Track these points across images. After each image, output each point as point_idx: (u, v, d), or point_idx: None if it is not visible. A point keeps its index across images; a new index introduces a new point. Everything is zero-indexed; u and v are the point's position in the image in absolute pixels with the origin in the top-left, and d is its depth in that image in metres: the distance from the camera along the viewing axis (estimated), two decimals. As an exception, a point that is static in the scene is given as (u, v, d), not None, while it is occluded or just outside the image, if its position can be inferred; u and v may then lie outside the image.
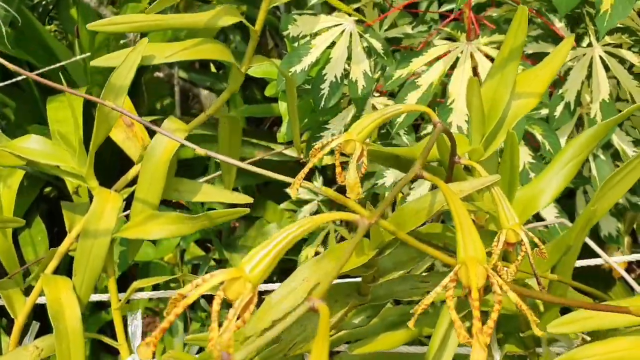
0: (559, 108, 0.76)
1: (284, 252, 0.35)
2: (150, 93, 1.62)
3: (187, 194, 0.64)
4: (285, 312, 0.41)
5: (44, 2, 1.61)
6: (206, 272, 1.36)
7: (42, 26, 1.48)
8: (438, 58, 0.72)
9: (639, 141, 0.77)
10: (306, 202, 1.21)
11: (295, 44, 0.80)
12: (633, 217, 1.06)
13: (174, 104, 1.63)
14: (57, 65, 1.18)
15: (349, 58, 0.78)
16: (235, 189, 1.37)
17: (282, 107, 0.85)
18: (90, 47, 1.49)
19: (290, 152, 1.28)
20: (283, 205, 1.38)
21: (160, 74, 1.62)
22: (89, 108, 1.15)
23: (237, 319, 0.32)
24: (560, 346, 0.65)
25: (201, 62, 1.67)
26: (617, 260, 0.67)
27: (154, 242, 1.28)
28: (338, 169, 0.48)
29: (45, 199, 1.50)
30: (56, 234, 1.38)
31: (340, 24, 0.78)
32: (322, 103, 0.78)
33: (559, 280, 0.53)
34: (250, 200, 0.63)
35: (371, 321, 0.59)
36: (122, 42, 1.47)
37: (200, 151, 0.51)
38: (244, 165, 0.52)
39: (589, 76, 0.76)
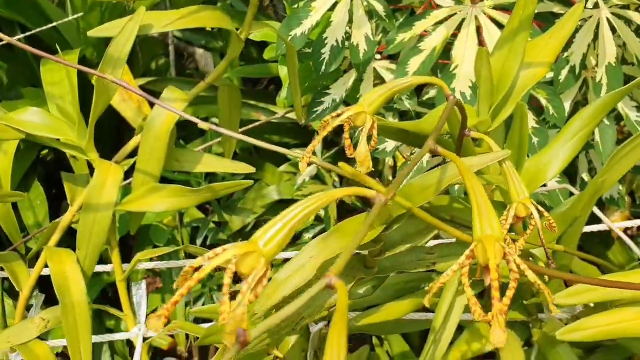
0: (564, 72, 0.74)
1: (298, 226, 0.34)
2: (145, 53, 1.59)
3: (187, 164, 0.64)
4: (295, 288, 0.41)
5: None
6: (205, 235, 1.36)
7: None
8: (441, 21, 0.71)
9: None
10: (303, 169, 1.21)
11: (295, 6, 0.78)
12: (632, 178, 1.06)
13: (168, 64, 1.60)
14: (49, 25, 1.15)
15: (350, 21, 0.76)
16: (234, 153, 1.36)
17: (282, 71, 0.83)
18: (83, 7, 1.46)
19: (292, 115, 1.27)
20: (282, 168, 1.37)
21: (154, 33, 1.59)
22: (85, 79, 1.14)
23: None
24: (563, 311, 0.65)
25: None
26: (618, 226, 0.67)
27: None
28: (347, 142, 0.47)
29: (42, 162, 1.49)
30: (55, 197, 1.37)
31: (341, -14, 0.76)
32: (323, 67, 0.77)
33: (565, 251, 0.53)
34: (252, 169, 0.63)
35: (376, 291, 0.60)
36: (115, 0, 1.44)
37: (203, 125, 0.50)
38: (245, 138, 0.51)
39: (595, 39, 0.74)
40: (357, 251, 0.54)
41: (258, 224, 1.37)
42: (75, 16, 1.39)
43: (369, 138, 0.45)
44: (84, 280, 0.58)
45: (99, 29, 0.56)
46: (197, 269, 0.32)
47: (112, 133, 1.36)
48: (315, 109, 0.83)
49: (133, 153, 0.63)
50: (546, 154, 0.51)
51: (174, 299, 0.31)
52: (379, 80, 0.81)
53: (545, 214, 0.48)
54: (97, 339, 0.62)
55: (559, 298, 0.50)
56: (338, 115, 0.45)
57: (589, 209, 0.51)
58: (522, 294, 0.63)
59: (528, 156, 0.52)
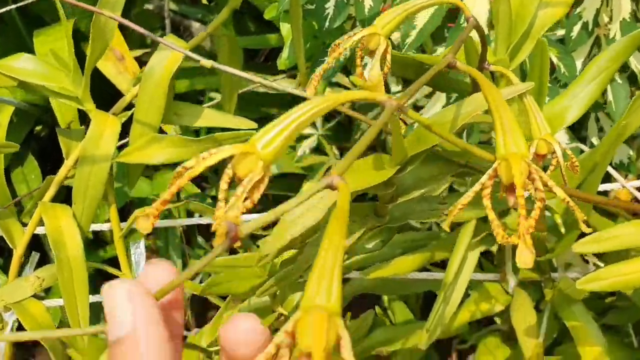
0: (576, 28, 0.72)
1: (301, 129, 0.31)
2: (140, 26, 1.57)
3: (187, 117, 0.61)
4: (305, 228, 0.39)
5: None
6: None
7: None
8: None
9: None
10: (306, 137, 1.18)
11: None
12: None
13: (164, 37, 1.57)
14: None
15: (355, -25, 0.74)
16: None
17: (283, 29, 0.81)
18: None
19: (288, 85, 1.24)
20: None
21: (150, 6, 1.56)
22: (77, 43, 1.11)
23: (246, 199, 0.29)
24: (575, 272, 0.64)
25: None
26: (634, 185, 0.65)
27: (149, 177, 1.25)
28: (359, 68, 0.45)
29: (36, 138, 1.46)
30: (49, 172, 1.35)
31: (346, -62, 0.74)
32: (327, 24, 0.74)
33: (585, 198, 0.51)
34: (254, 125, 0.60)
35: (384, 247, 0.57)
36: None
37: (206, 63, 0.48)
38: (250, 76, 0.49)
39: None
40: (370, 199, 0.52)
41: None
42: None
43: (383, 62, 0.43)
44: (80, 236, 0.56)
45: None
46: (189, 169, 0.29)
47: (109, 95, 1.33)
48: (317, 69, 0.80)
49: (131, 107, 0.60)
50: (566, 97, 0.49)
51: (164, 195, 0.29)
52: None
53: (569, 151, 0.45)
54: (94, 299, 0.60)
55: (578, 247, 0.48)
56: (349, 38, 0.43)
57: (610, 155, 0.49)
58: (535, 251, 0.61)
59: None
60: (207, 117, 0.61)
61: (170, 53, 0.57)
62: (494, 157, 0.34)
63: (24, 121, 1.35)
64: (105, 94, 0.78)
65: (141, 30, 0.49)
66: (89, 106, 0.56)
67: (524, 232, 0.30)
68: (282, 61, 0.84)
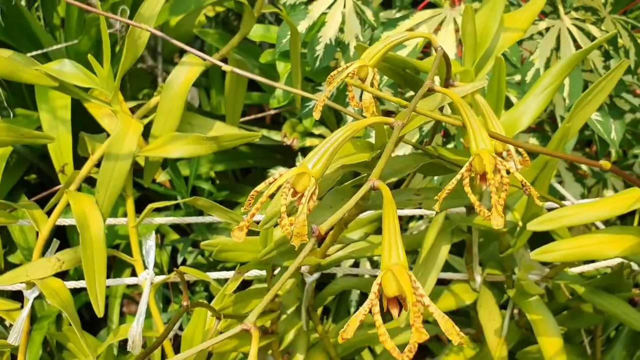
0: (530, 73, 0.84)
1: (337, 150, 0.42)
2: (133, 84, 1.67)
3: (199, 128, 0.70)
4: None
5: (29, -8, 1.65)
6: (188, 251, 1.39)
7: (29, 13, 1.52)
8: (423, 22, 0.81)
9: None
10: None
11: (293, 10, 0.87)
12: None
13: (153, 94, 1.68)
14: (40, 52, 1.22)
15: (343, 23, 0.85)
16: (211, 179, 1.41)
17: (279, 67, 0.91)
18: (76, 34, 1.53)
19: (274, 136, 1.35)
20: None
21: (144, 66, 1.67)
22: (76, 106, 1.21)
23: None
24: (535, 274, 0.72)
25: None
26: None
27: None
28: (351, 94, 0.55)
29: (26, 184, 1.52)
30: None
31: (335, -8, 0.86)
32: (317, 63, 0.85)
33: (543, 196, 0.60)
34: (259, 135, 0.69)
35: (367, 237, 0.66)
36: (109, 31, 1.51)
37: (227, 68, 0.58)
38: (253, 76, 0.58)
39: (557, 48, 0.85)
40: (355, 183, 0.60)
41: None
42: (68, 43, 1.46)
43: (372, 87, 0.52)
44: (102, 220, 0.63)
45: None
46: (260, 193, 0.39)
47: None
48: (307, 104, 0.91)
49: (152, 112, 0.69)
50: (520, 106, 0.60)
51: (250, 213, 0.38)
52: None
53: (520, 149, 0.56)
54: (108, 282, 0.66)
55: (532, 225, 0.57)
56: (344, 69, 0.53)
57: (561, 151, 0.59)
58: (498, 250, 0.70)
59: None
60: (217, 129, 0.70)
61: (189, 68, 0.67)
62: (451, 154, 0.43)
63: (19, 166, 1.42)
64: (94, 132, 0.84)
65: (177, 43, 0.59)
66: (117, 107, 0.65)
67: (495, 204, 0.40)
68: (277, 98, 0.94)
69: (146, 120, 0.68)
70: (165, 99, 0.67)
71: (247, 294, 0.61)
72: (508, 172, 0.43)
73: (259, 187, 0.40)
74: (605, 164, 0.41)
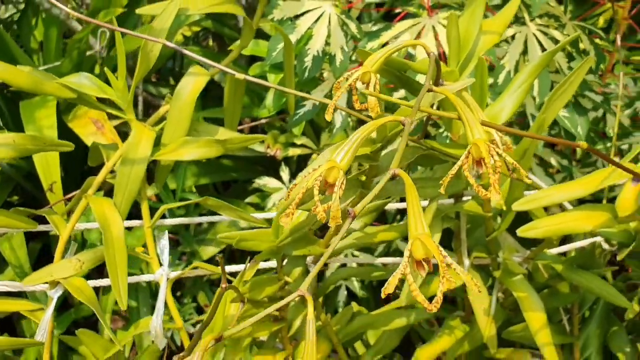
0: (502, 76, 0.93)
1: (360, 146, 0.48)
2: (114, 106, 1.72)
3: (205, 133, 0.76)
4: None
5: (7, 16, 1.68)
6: (175, 264, 1.44)
7: (8, 36, 1.55)
8: (404, 31, 0.88)
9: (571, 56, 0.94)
10: (272, 192, 1.32)
11: (281, 26, 0.94)
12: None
13: (137, 114, 1.72)
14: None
15: (328, 36, 0.92)
16: (191, 192, 1.45)
17: (270, 79, 0.98)
18: (56, 59, 1.57)
19: (257, 147, 1.41)
20: (248, 200, 1.49)
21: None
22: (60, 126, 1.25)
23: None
24: (517, 256, 0.80)
25: (160, 77, 1.78)
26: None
27: (128, 229, 1.35)
28: (355, 97, 0.61)
29: (9, 204, 1.54)
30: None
31: (320, 7, 0.93)
32: (306, 74, 0.92)
33: (518, 178, 0.68)
34: (262, 137, 0.75)
35: (366, 227, 0.72)
36: (88, 53, 1.56)
37: (239, 76, 0.64)
38: (261, 82, 0.65)
39: (525, 51, 0.93)
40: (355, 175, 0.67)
41: (229, 252, 1.47)
42: (48, 66, 1.50)
43: (375, 89, 0.59)
44: (122, 222, 0.68)
45: (146, 9, 0.70)
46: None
47: (83, 167, 1.44)
48: (297, 112, 0.97)
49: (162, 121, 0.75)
50: (499, 104, 0.67)
51: (294, 203, 0.44)
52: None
53: (505, 138, 0.63)
54: (129, 280, 0.71)
55: (517, 206, 0.64)
56: (348, 77, 0.58)
57: (535, 144, 0.67)
58: (484, 234, 0.77)
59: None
60: (222, 134, 0.76)
61: (196, 78, 0.72)
62: (443, 147, 0.50)
63: (5, 184, 1.45)
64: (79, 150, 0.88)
65: (189, 53, 0.64)
66: (131, 116, 0.70)
67: (493, 183, 0.47)
68: (267, 107, 1.00)
69: (157, 128, 0.74)
70: (175, 108, 0.72)
71: (260, 281, 0.67)
72: (500, 155, 0.49)
73: (296, 180, 0.46)
74: (582, 143, 0.48)
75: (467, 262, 0.78)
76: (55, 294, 0.69)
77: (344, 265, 1.04)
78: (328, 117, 0.56)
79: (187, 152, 0.69)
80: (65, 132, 1.29)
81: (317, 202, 0.45)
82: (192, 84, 0.72)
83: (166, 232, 0.73)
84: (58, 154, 1.20)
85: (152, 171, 1.42)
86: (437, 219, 0.70)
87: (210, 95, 1.51)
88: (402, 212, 1.08)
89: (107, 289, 1.32)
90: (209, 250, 1.50)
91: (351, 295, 1.25)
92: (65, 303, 1.31)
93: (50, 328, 0.69)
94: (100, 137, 1.29)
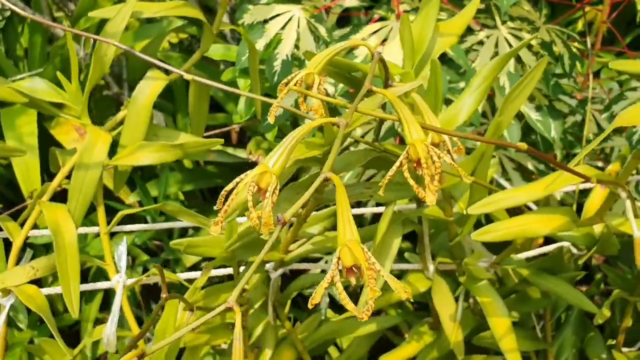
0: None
1: (293, 149, 0.47)
2: (99, 110, 1.71)
3: (165, 138, 0.75)
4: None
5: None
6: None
7: (-7, 44, 1.55)
8: (372, 34, 0.87)
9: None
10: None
11: (251, 30, 0.93)
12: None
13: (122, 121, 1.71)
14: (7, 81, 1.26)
15: (298, 40, 0.91)
16: (180, 201, 1.45)
17: (240, 84, 0.97)
18: (41, 65, 1.57)
19: (240, 153, 1.40)
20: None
21: (110, 92, 1.72)
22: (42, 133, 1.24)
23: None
24: (484, 261, 0.78)
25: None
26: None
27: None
28: (301, 99, 0.60)
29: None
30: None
31: (290, 11, 0.92)
32: (275, 79, 0.91)
33: (475, 182, 0.66)
34: (221, 141, 0.74)
35: (325, 232, 0.71)
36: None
37: (188, 76, 0.63)
38: (218, 85, 0.63)
39: (496, 55, 0.92)
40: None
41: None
42: (32, 73, 1.49)
43: (319, 90, 0.58)
44: (74, 227, 0.67)
45: (100, 11, 0.69)
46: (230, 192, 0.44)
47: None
48: (267, 117, 0.96)
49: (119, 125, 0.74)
50: (457, 104, 0.66)
51: (222, 212, 0.43)
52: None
53: (455, 139, 0.61)
54: (83, 287, 0.70)
55: (474, 209, 0.63)
56: (291, 79, 0.58)
57: (491, 147, 0.65)
58: (447, 239, 0.76)
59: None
60: (182, 138, 0.75)
61: (153, 82, 0.72)
62: (396, 148, 0.49)
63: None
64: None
65: (144, 57, 0.64)
66: (86, 121, 0.69)
67: (428, 184, 0.45)
68: (240, 113, 0.99)
69: (114, 133, 0.73)
70: (132, 112, 0.71)
71: (216, 289, 0.66)
72: (439, 157, 0.48)
73: (228, 187, 0.45)
74: (522, 145, 0.46)
75: (431, 267, 0.77)
76: (7, 302, 0.68)
77: (324, 271, 1.03)
78: (271, 120, 0.55)
79: (143, 156, 0.68)
80: (47, 139, 1.29)
81: (250, 208, 0.44)
82: (149, 87, 0.72)
83: (124, 238, 0.72)
84: (38, 161, 1.20)
85: (131, 177, 1.40)
86: (397, 224, 0.69)
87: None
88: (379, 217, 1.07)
89: (89, 298, 1.31)
90: (192, 258, 1.49)
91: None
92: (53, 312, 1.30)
93: (3, 335, 0.68)
94: (75, 142, 1.29)
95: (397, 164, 0.48)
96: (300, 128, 0.48)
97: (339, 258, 0.41)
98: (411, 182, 0.48)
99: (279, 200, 0.58)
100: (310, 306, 0.41)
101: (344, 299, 0.40)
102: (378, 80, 0.61)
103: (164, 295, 0.51)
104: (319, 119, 0.52)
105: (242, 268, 0.70)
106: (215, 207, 0.45)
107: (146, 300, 1.38)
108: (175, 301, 0.62)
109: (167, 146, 0.68)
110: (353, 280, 0.42)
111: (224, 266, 0.73)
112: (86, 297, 1.28)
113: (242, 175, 0.45)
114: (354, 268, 0.41)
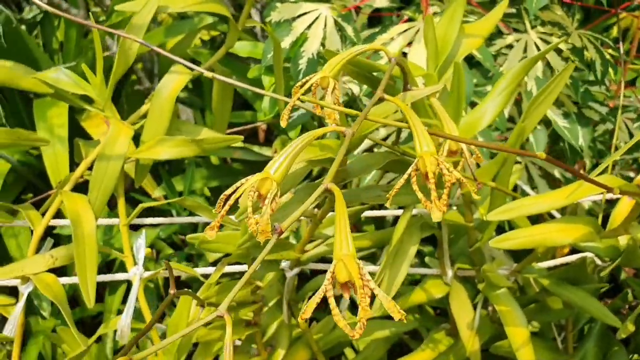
0: (501, 84, 0.90)
1: (296, 156, 0.46)
2: (130, 104, 1.73)
3: (187, 134, 0.75)
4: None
5: (30, 16, 1.71)
6: (179, 263, 1.43)
7: (30, 37, 1.58)
8: (399, 34, 0.86)
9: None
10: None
11: (278, 28, 0.93)
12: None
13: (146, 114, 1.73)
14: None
15: (324, 38, 0.91)
16: (206, 197, 1.45)
17: (265, 81, 0.97)
18: (75, 59, 1.59)
19: (266, 152, 1.40)
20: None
21: (141, 87, 1.73)
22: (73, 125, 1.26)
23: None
24: (504, 269, 0.77)
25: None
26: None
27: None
28: (317, 108, 0.59)
29: (22, 201, 1.57)
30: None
31: (317, 10, 0.92)
32: (300, 77, 0.91)
33: (497, 187, 0.65)
34: (239, 139, 0.74)
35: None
36: (105, 54, 1.58)
37: (208, 74, 0.63)
38: (243, 85, 0.63)
39: (525, 59, 0.90)
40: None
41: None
42: (65, 65, 1.51)
43: (333, 94, 0.56)
44: (94, 218, 0.68)
45: (127, 5, 0.69)
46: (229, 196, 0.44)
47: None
48: (292, 115, 0.96)
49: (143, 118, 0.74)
50: (480, 108, 0.65)
51: (218, 217, 0.42)
52: (345, 92, 0.95)
53: (473, 147, 0.60)
54: (99, 278, 0.71)
55: (493, 216, 0.61)
56: (306, 82, 0.56)
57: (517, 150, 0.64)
58: (466, 245, 0.74)
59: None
60: (204, 134, 0.75)
61: (177, 77, 0.72)
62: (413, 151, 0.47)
63: (17, 182, 1.47)
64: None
65: (169, 55, 0.64)
66: (110, 113, 0.70)
67: (434, 199, 0.44)
68: (264, 110, 0.99)
69: (137, 126, 0.73)
70: (155, 106, 0.71)
71: (230, 285, 0.66)
72: (450, 170, 0.46)
73: (227, 191, 0.44)
74: (540, 154, 0.45)
75: (450, 272, 0.76)
76: (25, 290, 0.68)
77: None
78: (283, 124, 0.54)
79: (162, 151, 0.68)
80: (79, 131, 1.30)
81: (249, 214, 0.43)
82: (173, 82, 0.72)
83: (143, 230, 0.72)
84: (67, 152, 1.22)
85: (158, 171, 1.41)
86: (414, 228, 0.68)
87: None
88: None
89: (112, 289, 1.32)
90: (215, 254, 1.50)
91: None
92: (74, 301, 1.32)
93: (21, 322, 0.69)
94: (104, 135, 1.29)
95: (405, 176, 0.47)
96: (304, 135, 0.48)
97: (333, 272, 0.39)
98: (419, 195, 0.46)
99: (293, 201, 0.58)
100: (300, 320, 0.40)
101: (335, 315, 0.39)
102: (400, 82, 0.60)
103: (171, 291, 0.51)
104: (324, 128, 0.50)
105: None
106: (213, 211, 0.45)
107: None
108: (188, 297, 0.62)
109: (187, 141, 0.68)
110: (347, 296, 0.41)
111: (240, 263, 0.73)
112: (110, 288, 1.29)
113: (242, 180, 0.44)
114: (348, 283, 0.40)
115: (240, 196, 0.44)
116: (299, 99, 0.92)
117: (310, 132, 0.48)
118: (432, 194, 0.46)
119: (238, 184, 0.44)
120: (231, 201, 0.44)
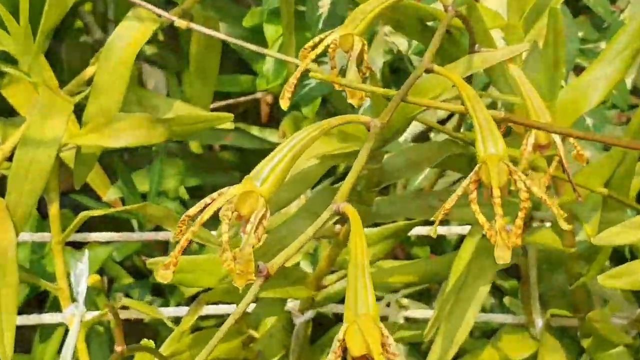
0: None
1: (294, 162, 0.45)
2: (72, 62, 1.74)
3: (152, 109, 0.76)
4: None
5: None
6: (142, 298, 1.45)
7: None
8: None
9: None
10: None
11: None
12: None
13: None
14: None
15: (356, -30, 0.90)
16: (181, 200, 1.47)
17: (268, 31, 0.96)
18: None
19: (270, 136, 1.40)
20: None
21: (89, 39, 1.75)
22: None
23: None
24: (619, 317, 0.76)
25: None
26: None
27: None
28: (334, 72, 0.58)
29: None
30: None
31: None
32: (320, 26, 0.90)
33: (611, 196, 0.64)
34: (229, 117, 0.74)
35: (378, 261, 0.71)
36: None
37: (181, 23, 0.63)
38: (231, 39, 0.63)
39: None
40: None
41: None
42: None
43: (360, 63, 0.55)
44: (14, 232, 0.68)
45: None
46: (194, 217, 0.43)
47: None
48: (307, 82, 0.95)
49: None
50: (587, 76, 0.64)
51: (179, 246, 0.42)
52: (387, 49, 0.95)
53: (572, 139, 0.59)
54: (21, 320, 0.71)
55: (607, 237, 0.60)
56: (320, 42, 0.54)
57: (640, 142, 0.63)
58: (564, 281, 0.74)
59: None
60: (179, 109, 0.75)
61: (138, 24, 0.72)
62: None
63: None
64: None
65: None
66: (38, 78, 0.70)
67: (500, 230, 0.43)
68: (266, 76, 0.99)
69: (78, 98, 0.73)
70: (104, 69, 0.72)
71: (210, 334, 0.66)
72: (526, 184, 0.45)
73: (190, 211, 0.43)
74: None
75: (540, 321, 0.75)
76: None
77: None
78: (283, 105, 0.52)
79: (117, 134, 0.69)
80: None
81: (224, 244, 0.41)
82: (132, 33, 0.72)
83: (86, 252, 0.73)
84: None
85: (112, 164, 1.43)
86: (485, 257, 0.68)
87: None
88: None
89: (45, 334, 1.33)
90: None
91: None
92: None
93: None
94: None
95: (462, 188, 0.46)
96: (310, 128, 0.46)
97: (342, 340, 0.39)
98: (480, 219, 0.45)
99: (303, 214, 0.58)
100: None
101: None
102: (465, 38, 0.60)
103: (117, 348, 0.52)
104: (340, 117, 0.49)
105: (252, 305, 0.70)
106: (171, 239, 0.44)
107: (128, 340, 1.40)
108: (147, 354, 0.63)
109: (151, 121, 0.68)
110: None
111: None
112: (41, 333, 1.31)
113: (215, 194, 0.43)
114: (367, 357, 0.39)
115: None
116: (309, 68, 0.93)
117: (317, 124, 0.47)
118: (498, 222, 0.44)
119: (208, 199, 0.43)
120: (196, 227, 0.42)
